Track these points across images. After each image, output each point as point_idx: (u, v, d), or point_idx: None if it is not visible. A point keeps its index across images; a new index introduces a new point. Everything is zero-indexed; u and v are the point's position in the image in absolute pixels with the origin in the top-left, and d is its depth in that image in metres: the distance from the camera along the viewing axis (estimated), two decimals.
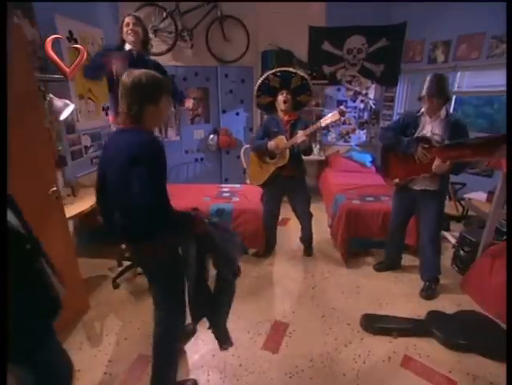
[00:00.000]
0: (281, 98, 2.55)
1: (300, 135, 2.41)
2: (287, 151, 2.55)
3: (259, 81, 2.59)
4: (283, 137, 2.55)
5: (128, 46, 2.32)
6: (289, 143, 2.50)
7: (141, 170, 1.21)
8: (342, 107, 2.38)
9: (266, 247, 3.10)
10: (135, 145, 1.26)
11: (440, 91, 2.11)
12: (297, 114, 2.68)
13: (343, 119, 4.30)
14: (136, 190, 1.21)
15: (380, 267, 2.82)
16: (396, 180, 2.40)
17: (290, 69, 2.54)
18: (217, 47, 4.11)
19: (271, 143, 2.57)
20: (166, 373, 1.58)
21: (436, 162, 2.10)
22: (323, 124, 2.38)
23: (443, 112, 2.20)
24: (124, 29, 2.28)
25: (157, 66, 2.43)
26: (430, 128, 2.22)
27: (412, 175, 2.28)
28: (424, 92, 2.16)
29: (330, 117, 2.35)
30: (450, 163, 2.07)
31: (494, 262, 2.34)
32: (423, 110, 2.26)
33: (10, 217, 1.04)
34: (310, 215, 2.97)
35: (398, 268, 2.81)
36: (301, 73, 2.53)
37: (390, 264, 2.80)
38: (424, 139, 2.21)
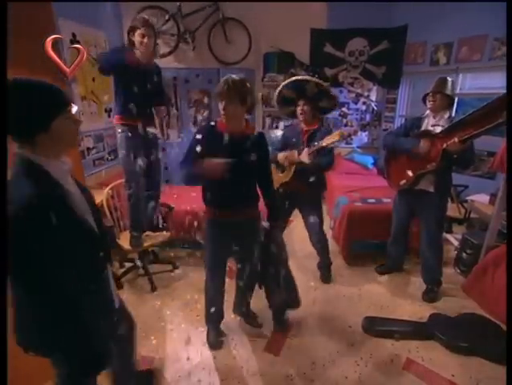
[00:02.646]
0: (298, 109, 2.41)
1: (303, 155, 2.27)
2: (292, 168, 2.41)
3: (275, 94, 2.47)
4: (295, 152, 2.38)
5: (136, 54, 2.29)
6: (296, 160, 2.35)
7: None
8: (344, 129, 2.29)
9: None
10: None
11: (444, 88, 2.17)
12: (317, 123, 2.51)
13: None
14: None
15: (382, 269, 2.81)
16: (404, 181, 2.37)
17: (306, 77, 2.37)
18: (218, 49, 4.13)
19: (280, 156, 2.43)
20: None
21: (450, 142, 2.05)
22: (324, 144, 2.25)
23: (446, 114, 2.23)
24: (137, 38, 2.18)
25: (158, 71, 2.44)
26: (432, 129, 2.23)
27: (419, 170, 2.24)
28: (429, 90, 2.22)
29: (331, 137, 2.24)
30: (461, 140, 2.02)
31: (497, 265, 2.33)
32: (427, 112, 2.30)
33: (92, 223, 1.08)
34: (324, 239, 2.69)
35: (400, 270, 2.81)
36: (314, 79, 2.33)
37: (392, 266, 2.80)
38: (426, 133, 2.22)
